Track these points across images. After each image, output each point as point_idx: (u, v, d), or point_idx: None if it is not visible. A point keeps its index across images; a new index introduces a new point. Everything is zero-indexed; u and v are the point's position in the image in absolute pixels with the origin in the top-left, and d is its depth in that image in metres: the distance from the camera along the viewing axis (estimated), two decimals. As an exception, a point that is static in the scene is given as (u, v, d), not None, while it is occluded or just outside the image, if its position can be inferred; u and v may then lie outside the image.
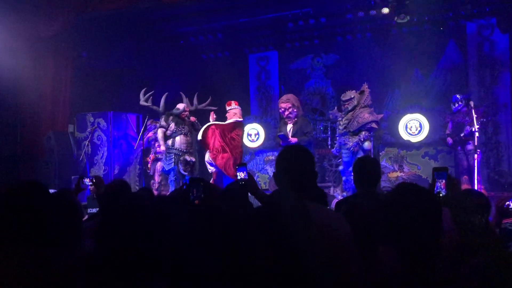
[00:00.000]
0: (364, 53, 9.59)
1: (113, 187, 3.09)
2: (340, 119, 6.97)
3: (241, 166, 3.06)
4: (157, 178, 7.99)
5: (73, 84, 9.21)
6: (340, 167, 6.81)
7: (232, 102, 7.64)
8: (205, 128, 7.46)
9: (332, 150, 7.58)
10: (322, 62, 10.39)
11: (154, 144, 8.13)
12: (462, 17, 8.83)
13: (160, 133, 7.62)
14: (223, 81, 9.97)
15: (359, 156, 6.37)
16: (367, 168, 3.09)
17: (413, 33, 9.17)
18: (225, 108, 7.77)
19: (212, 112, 7.73)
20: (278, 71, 10.79)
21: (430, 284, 1.55)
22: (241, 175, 3.01)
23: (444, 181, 2.30)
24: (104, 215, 2.22)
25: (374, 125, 6.75)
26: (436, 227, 1.62)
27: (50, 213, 1.94)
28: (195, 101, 8.01)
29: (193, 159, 7.59)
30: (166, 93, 7.91)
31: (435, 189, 2.30)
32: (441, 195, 2.28)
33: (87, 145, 8.57)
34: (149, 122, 8.41)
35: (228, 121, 7.57)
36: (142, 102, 7.89)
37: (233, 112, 7.56)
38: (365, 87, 7.13)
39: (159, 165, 7.93)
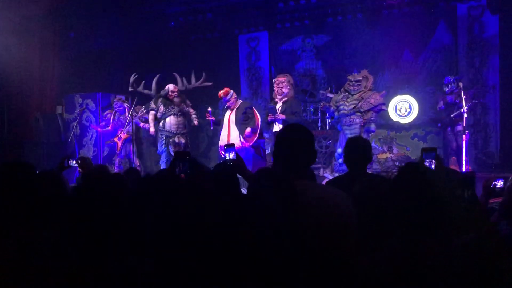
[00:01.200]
0: (354, 34, 9.54)
1: (91, 173, 3.06)
2: (344, 99, 6.92)
3: (230, 147, 3.06)
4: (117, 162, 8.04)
5: (60, 65, 9.08)
6: (339, 150, 6.83)
7: (227, 91, 7.31)
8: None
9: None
10: (312, 43, 10.34)
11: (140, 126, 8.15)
12: (453, -1, 8.81)
13: (150, 115, 7.66)
14: (213, 62, 9.91)
15: (364, 135, 6.45)
16: (359, 149, 3.11)
17: (404, 14, 9.15)
18: (215, 89, 7.67)
19: (208, 113, 7.37)
20: (268, 52, 10.72)
21: (420, 262, 1.57)
22: (229, 155, 3.01)
23: (432, 160, 2.32)
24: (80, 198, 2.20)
25: (384, 107, 7.09)
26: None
27: (36, 192, 1.93)
28: (192, 79, 7.93)
29: (183, 141, 7.57)
30: (158, 75, 7.84)
31: None
32: None
33: (76, 126, 8.51)
34: (115, 100, 8.40)
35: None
36: (131, 89, 7.84)
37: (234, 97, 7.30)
38: (366, 72, 7.12)
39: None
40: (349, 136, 6.74)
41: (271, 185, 1.67)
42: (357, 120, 6.72)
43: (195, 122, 7.81)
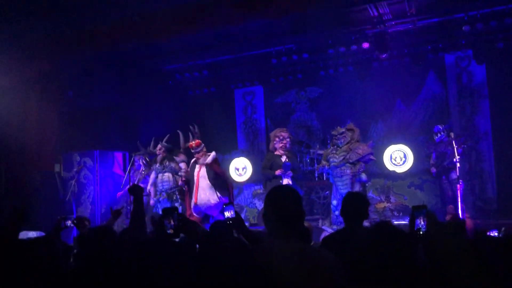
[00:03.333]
0: (347, 86, 9.81)
1: (92, 236, 3.07)
2: (334, 152, 7.09)
3: (228, 205, 3.08)
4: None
5: (59, 123, 9.20)
6: (334, 202, 6.88)
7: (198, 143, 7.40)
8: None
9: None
10: (306, 95, 10.58)
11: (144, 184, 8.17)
12: (440, 50, 9.10)
13: (152, 175, 7.93)
14: (210, 116, 10.09)
15: (356, 187, 6.49)
16: (355, 206, 3.14)
17: (394, 66, 9.44)
18: (211, 142, 7.80)
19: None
20: (264, 105, 10.95)
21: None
22: (228, 214, 3.03)
23: (423, 217, 2.35)
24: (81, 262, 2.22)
25: (372, 157, 7.11)
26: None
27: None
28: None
29: (175, 198, 7.57)
30: (154, 137, 8.02)
31: (415, 226, 2.35)
32: (421, 232, 2.32)
33: (74, 184, 8.52)
34: (136, 158, 8.45)
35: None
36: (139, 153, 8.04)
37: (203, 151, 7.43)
38: (351, 125, 7.32)
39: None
40: (341, 187, 6.80)
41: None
42: (348, 171, 6.80)
43: (179, 182, 7.69)
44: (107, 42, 7.99)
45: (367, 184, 8.18)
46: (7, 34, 7.44)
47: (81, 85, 9.11)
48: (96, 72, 8.97)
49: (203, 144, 7.30)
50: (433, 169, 7.49)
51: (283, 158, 7.22)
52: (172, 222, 2.54)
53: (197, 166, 7.24)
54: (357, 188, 6.71)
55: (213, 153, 7.23)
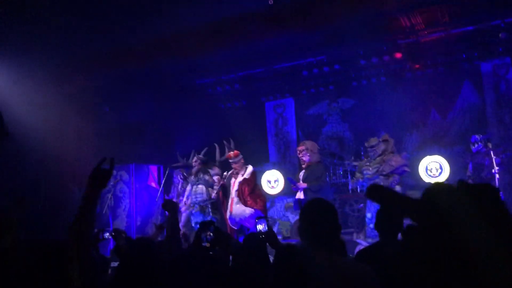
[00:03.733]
0: (380, 97, 9.68)
1: (134, 247, 3.14)
2: (367, 164, 7.00)
3: (261, 219, 3.10)
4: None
5: (96, 138, 9.46)
6: (369, 215, 6.76)
7: (236, 153, 7.50)
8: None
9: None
10: (338, 106, 10.51)
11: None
12: (476, 58, 8.91)
13: (187, 187, 7.93)
14: (241, 129, 10.17)
15: None
16: (390, 217, 3.09)
17: (428, 75, 9.27)
18: (242, 155, 7.82)
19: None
20: (295, 117, 10.93)
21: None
22: (260, 227, 3.04)
23: None
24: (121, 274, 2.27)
25: (406, 168, 6.90)
26: None
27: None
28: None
29: (209, 211, 7.61)
30: (193, 151, 8.12)
31: None
32: None
33: (110, 198, 8.71)
34: (174, 173, 8.57)
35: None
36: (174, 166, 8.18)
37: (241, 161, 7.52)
38: (386, 136, 7.18)
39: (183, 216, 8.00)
40: None
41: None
42: (381, 184, 6.65)
43: (213, 195, 7.72)
44: (142, 58, 8.21)
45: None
46: (47, 50, 7.75)
47: (117, 100, 9.37)
48: (131, 87, 9.22)
49: (241, 155, 7.41)
50: (471, 181, 7.27)
51: (301, 173, 7.19)
52: (208, 236, 2.58)
53: (233, 179, 7.31)
54: None
55: (250, 168, 7.28)
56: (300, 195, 6.99)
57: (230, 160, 7.41)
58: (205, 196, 7.75)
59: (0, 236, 3.25)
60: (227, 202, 7.38)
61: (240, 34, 7.73)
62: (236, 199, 7.18)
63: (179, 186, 8.28)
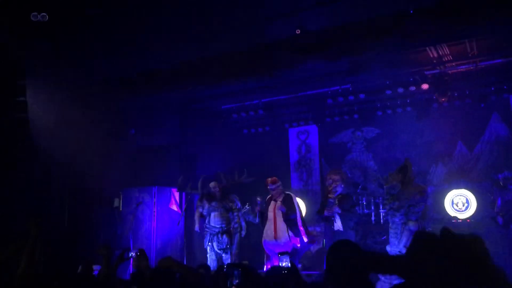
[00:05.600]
0: (405, 127, 9.60)
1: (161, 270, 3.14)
2: (386, 197, 6.75)
3: (284, 254, 3.07)
4: None
5: (120, 159, 9.58)
6: (388, 247, 6.57)
7: (275, 179, 7.49)
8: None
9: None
10: (362, 135, 10.44)
11: None
12: (505, 91, 8.77)
13: (196, 213, 7.88)
14: (264, 155, 10.19)
15: (404, 236, 6.16)
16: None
17: (455, 107, 9.15)
18: (265, 181, 7.79)
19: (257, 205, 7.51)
20: (318, 144, 10.89)
21: None
22: (283, 263, 3.01)
23: None
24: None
25: (420, 195, 6.34)
26: None
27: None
28: (235, 176, 8.14)
29: (226, 238, 7.56)
30: (203, 176, 8.13)
31: None
32: None
33: (132, 220, 8.74)
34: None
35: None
36: (179, 189, 8.19)
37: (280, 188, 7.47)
38: (407, 161, 6.98)
39: None
40: (392, 235, 6.44)
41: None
42: (396, 220, 6.41)
43: (234, 224, 7.77)
44: (169, 83, 8.36)
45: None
46: (78, 72, 7.97)
47: (143, 124, 9.51)
48: (157, 111, 9.36)
49: (280, 182, 7.30)
50: (500, 218, 7.07)
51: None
52: (235, 279, 2.59)
53: (272, 204, 7.22)
54: (405, 237, 6.27)
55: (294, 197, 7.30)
56: (337, 226, 6.82)
57: (269, 187, 7.23)
58: (224, 222, 7.71)
59: (18, 255, 3.30)
60: (264, 227, 7.25)
61: (266, 61, 7.80)
62: (277, 225, 7.05)
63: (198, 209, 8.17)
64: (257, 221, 7.60)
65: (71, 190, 8.85)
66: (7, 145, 6.94)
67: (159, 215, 9.10)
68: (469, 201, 8.13)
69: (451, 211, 8.24)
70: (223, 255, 7.54)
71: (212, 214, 7.70)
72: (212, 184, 7.85)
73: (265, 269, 6.85)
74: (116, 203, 9.43)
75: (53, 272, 4.06)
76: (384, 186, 6.72)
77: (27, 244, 3.34)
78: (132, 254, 4.39)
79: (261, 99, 9.98)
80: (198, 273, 3.08)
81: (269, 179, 7.26)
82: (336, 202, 6.93)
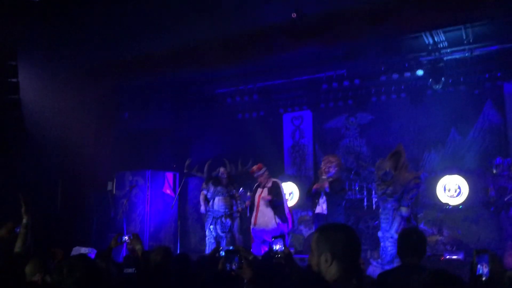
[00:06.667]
0: (399, 113, 9.62)
1: (156, 256, 3.15)
2: (379, 182, 6.70)
3: (278, 238, 3.06)
4: None
5: (114, 144, 9.54)
6: (379, 233, 6.60)
7: (260, 166, 7.52)
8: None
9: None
10: (356, 121, 10.43)
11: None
12: (499, 78, 8.77)
13: (201, 195, 7.96)
14: (257, 140, 10.17)
15: (396, 221, 6.19)
16: (412, 241, 3.03)
17: (449, 94, 9.14)
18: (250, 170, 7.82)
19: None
20: (312, 130, 10.88)
21: None
22: (277, 247, 3.00)
23: (486, 263, 2.24)
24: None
25: (416, 180, 6.33)
26: None
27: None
28: (239, 165, 8.17)
29: (229, 221, 7.66)
30: (210, 160, 8.14)
31: (477, 271, 2.24)
32: (483, 278, 2.21)
33: (125, 203, 8.73)
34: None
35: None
36: (186, 171, 8.19)
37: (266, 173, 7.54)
38: (399, 147, 6.94)
39: None
40: (383, 220, 6.47)
41: None
42: (388, 206, 6.40)
43: (238, 207, 7.88)
44: (163, 67, 8.27)
45: (418, 216, 7.92)
46: (70, 56, 7.86)
47: (137, 107, 9.44)
48: (151, 95, 9.28)
49: (264, 168, 7.41)
50: (491, 204, 7.14)
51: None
52: (233, 266, 2.59)
53: (259, 190, 7.34)
54: (396, 223, 6.28)
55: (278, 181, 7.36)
56: (321, 209, 6.87)
57: (254, 175, 7.39)
58: (228, 207, 7.77)
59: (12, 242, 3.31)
60: (251, 214, 7.38)
61: (261, 46, 7.74)
62: (260, 212, 7.15)
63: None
64: (248, 214, 7.71)
65: (64, 173, 8.80)
66: (-1, 128, 6.86)
67: (153, 199, 9.09)
68: (461, 187, 8.19)
69: (443, 197, 8.30)
70: (224, 238, 7.62)
71: (217, 198, 7.80)
72: (221, 170, 7.92)
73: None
74: (109, 187, 9.41)
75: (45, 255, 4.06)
76: (377, 173, 6.68)
77: (20, 229, 3.35)
78: (126, 238, 4.40)
79: (255, 83, 9.93)
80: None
81: (254, 166, 7.39)
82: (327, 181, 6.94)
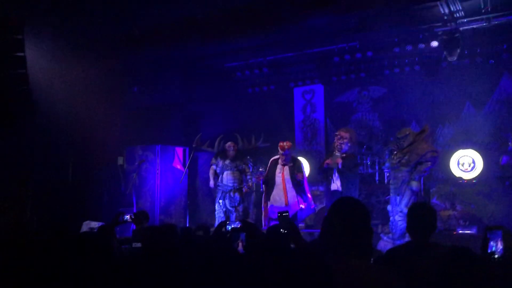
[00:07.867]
0: (412, 86, 9.39)
1: (159, 234, 3.11)
2: (395, 152, 6.58)
3: (283, 213, 3.00)
4: None
5: (123, 118, 9.51)
6: (389, 207, 6.53)
7: (290, 145, 7.20)
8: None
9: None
10: (369, 95, 10.25)
11: None
12: (517, 48, 8.49)
13: (211, 170, 7.99)
14: (268, 114, 10.07)
15: (406, 195, 6.11)
16: (423, 218, 2.94)
17: (465, 66, 8.88)
18: (272, 142, 7.74)
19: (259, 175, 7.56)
20: (323, 104, 10.72)
21: None
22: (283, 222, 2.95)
23: (499, 240, 2.14)
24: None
25: (433, 154, 6.27)
26: None
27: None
28: (252, 140, 8.09)
29: (238, 196, 7.67)
30: (221, 135, 8.08)
31: (489, 248, 2.15)
32: (496, 256, 2.12)
33: (135, 177, 8.75)
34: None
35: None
36: (195, 145, 8.16)
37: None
38: (426, 127, 6.74)
39: None
40: (392, 191, 6.38)
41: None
42: (399, 175, 6.28)
43: (245, 188, 7.80)
44: (172, 40, 8.14)
45: (431, 190, 7.81)
46: (77, 32, 7.77)
47: (146, 82, 9.36)
48: (160, 69, 9.18)
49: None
50: (506, 179, 6.99)
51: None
52: (239, 241, 2.57)
53: (279, 167, 7.05)
54: (407, 197, 6.19)
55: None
56: (336, 186, 6.77)
57: (282, 152, 6.96)
58: (237, 182, 7.75)
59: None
60: (269, 192, 7.11)
61: (271, 18, 7.55)
62: (282, 191, 6.92)
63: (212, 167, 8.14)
64: (262, 189, 7.58)
65: (74, 148, 8.82)
66: (6, 102, 6.84)
67: (163, 174, 9.09)
68: (475, 161, 8.03)
69: (456, 172, 8.16)
70: (233, 212, 7.62)
71: (225, 173, 7.80)
72: (228, 144, 7.89)
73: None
74: (119, 161, 9.43)
75: (54, 230, 4.06)
76: (397, 136, 6.53)
77: (14, 204, 3.34)
78: (127, 217, 4.39)
79: (265, 56, 9.74)
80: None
81: (285, 144, 6.96)
82: (340, 158, 6.85)
